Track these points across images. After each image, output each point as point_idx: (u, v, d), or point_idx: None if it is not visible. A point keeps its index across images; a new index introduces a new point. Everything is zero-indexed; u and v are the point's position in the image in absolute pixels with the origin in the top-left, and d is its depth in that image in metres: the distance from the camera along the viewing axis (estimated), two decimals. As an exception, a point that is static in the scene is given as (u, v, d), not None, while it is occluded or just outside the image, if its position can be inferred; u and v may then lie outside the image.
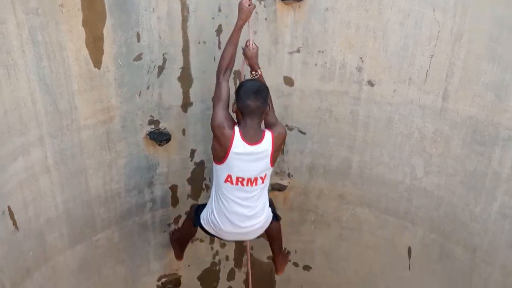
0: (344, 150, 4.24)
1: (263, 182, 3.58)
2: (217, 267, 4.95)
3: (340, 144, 4.22)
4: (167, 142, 4.02)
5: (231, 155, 3.43)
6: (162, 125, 4.01)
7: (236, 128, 3.42)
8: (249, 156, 3.45)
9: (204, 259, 4.86)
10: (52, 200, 3.74)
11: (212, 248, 4.82)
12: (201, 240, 4.72)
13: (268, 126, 3.59)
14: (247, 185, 3.53)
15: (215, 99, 3.52)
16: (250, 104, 3.37)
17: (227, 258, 4.92)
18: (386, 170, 4.20)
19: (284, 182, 4.43)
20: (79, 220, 3.98)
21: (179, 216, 4.50)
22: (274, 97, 3.79)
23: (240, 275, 5.02)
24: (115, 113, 3.78)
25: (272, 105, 3.64)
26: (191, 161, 4.27)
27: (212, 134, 3.48)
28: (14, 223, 3.54)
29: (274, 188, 4.40)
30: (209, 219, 3.70)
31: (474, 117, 3.69)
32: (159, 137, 3.99)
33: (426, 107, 3.83)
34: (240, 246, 4.84)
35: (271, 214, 3.81)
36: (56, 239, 3.89)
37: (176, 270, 4.79)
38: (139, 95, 3.81)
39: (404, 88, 3.84)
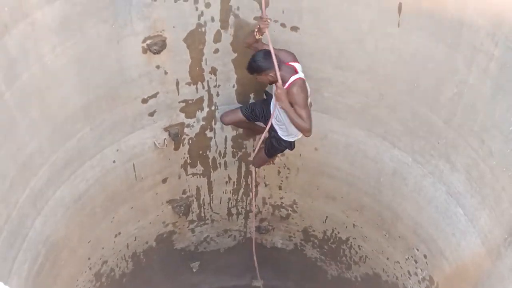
0: None
1: None
2: (203, 29, 4.81)
3: None
4: None
5: None
6: None
7: None
8: None
9: (189, 20, 4.71)
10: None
11: (196, 9, 4.63)
12: (185, 0, 4.55)
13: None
14: None
15: None
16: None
17: (212, 19, 4.76)
18: None
19: None
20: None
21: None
22: None
23: (226, 37, 4.92)
24: None
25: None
26: None
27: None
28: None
29: None
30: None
31: None
32: None
33: None
34: (226, 6, 4.68)
35: None
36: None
37: (161, 32, 4.66)
38: None
39: None
